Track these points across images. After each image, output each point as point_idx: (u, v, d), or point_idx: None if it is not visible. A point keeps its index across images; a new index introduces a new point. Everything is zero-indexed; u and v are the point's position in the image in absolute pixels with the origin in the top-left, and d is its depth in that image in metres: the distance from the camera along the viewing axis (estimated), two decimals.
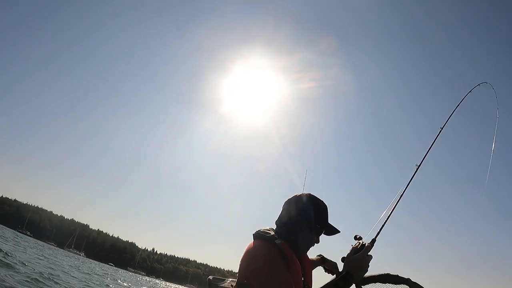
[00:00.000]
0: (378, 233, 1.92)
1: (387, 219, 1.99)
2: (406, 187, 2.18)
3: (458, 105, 3.06)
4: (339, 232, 1.92)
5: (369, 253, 1.75)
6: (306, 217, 1.85)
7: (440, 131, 2.63)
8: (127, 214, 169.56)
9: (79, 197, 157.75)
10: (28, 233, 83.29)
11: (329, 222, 1.92)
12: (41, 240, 75.37)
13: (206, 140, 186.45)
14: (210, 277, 1.96)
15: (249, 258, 1.73)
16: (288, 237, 1.80)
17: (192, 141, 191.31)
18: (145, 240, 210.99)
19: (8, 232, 49.65)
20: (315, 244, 1.90)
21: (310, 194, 1.94)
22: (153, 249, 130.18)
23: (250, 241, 1.83)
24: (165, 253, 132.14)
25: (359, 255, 1.72)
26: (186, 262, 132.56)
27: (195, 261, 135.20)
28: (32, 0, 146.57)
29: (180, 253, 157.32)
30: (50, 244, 77.22)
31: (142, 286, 31.04)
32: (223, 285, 2.05)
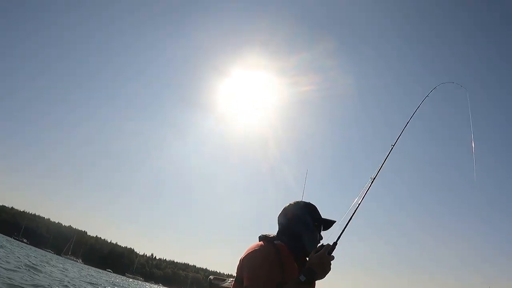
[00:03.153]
0: (339, 237, 1.97)
1: (346, 225, 2.06)
2: (364, 195, 2.26)
3: (418, 106, 3.30)
4: (335, 221, 2.09)
5: (331, 254, 1.81)
6: (303, 222, 2.04)
7: (392, 148, 2.72)
8: (126, 219, 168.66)
9: (77, 204, 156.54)
10: (25, 240, 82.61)
11: (322, 217, 2.10)
12: (38, 247, 74.61)
13: (204, 143, 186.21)
14: (211, 276, 2.03)
15: (246, 254, 1.92)
16: (292, 242, 1.98)
17: (190, 144, 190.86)
18: (144, 245, 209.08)
19: (3, 240, 48.99)
20: (320, 241, 2.05)
21: (296, 202, 2.16)
22: (152, 255, 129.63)
23: (250, 243, 2.01)
24: (164, 258, 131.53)
25: (319, 253, 1.79)
26: (185, 267, 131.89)
27: (194, 266, 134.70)
28: (21, 11, 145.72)
29: (179, 258, 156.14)
30: (47, 251, 76.53)
31: None
32: (223, 285, 2.20)
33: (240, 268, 1.90)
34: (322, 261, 1.75)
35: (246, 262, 1.87)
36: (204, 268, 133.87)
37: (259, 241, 1.99)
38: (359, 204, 2.19)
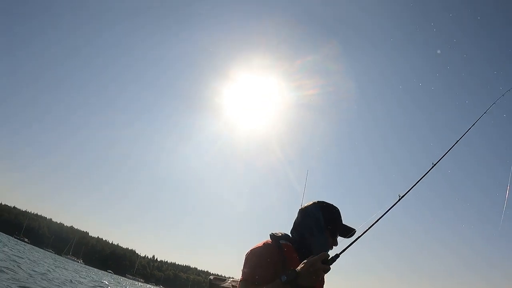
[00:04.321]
0: (344, 249, 1.84)
1: (357, 239, 1.90)
2: (383, 215, 2.02)
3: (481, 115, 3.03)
4: (355, 230, 1.96)
5: (328, 265, 1.63)
6: (314, 220, 1.97)
7: (432, 167, 2.46)
8: (128, 221, 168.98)
9: (79, 205, 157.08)
10: (26, 239, 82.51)
11: (343, 223, 2.01)
12: (39, 247, 74.40)
13: (206, 146, 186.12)
14: (211, 277, 1.98)
15: (249, 250, 1.89)
16: (300, 241, 1.94)
17: (192, 147, 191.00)
18: (146, 247, 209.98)
19: (4, 238, 48.68)
20: (334, 246, 1.97)
21: (318, 200, 2.09)
22: (154, 256, 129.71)
23: (251, 246, 1.94)
24: (165, 260, 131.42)
25: (313, 259, 1.62)
26: (187, 269, 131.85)
27: (195, 268, 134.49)
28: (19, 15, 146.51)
29: (180, 260, 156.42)
30: (48, 251, 76.33)
31: None
32: (224, 285, 2.14)
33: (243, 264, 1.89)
34: (312, 268, 1.59)
35: (245, 259, 1.86)
36: (205, 270, 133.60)
37: (270, 238, 1.94)
38: (377, 220, 1.96)
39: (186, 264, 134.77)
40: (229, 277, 2.25)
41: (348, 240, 1.92)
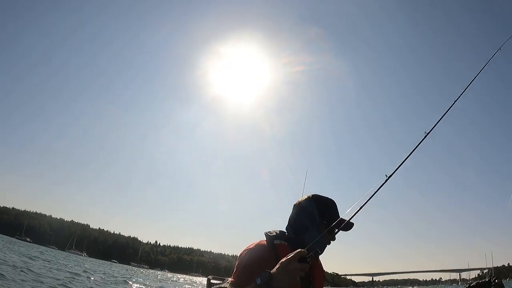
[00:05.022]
0: (323, 248, 1.78)
1: (337, 232, 1.80)
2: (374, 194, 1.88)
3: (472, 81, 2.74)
4: (353, 224, 1.81)
5: (307, 264, 1.48)
6: (308, 215, 1.87)
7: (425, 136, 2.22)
8: (127, 209, 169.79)
9: (77, 198, 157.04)
10: (28, 239, 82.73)
11: (340, 217, 1.84)
12: (41, 245, 74.89)
13: (199, 127, 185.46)
14: (210, 276, 1.94)
15: (242, 251, 1.83)
16: (295, 238, 1.85)
17: (184, 129, 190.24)
18: (147, 233, 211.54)
19: (6, 240, 48.93)
20: (331, 241, 1.84)
21: (313, 194, 1.96)
22: (156, 242, 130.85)
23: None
24: (168, 245, 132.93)
25: (287, 258, 1.48)
26: (190, 251, 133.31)
27: (199, 250, 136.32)
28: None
29: (183, 243, 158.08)
30: (51, 247, 76.94)
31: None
32: (222, 285, 2.07)
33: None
34: (286, 267, 1.46)
35: (238, 259, 1.82)
36: (208, 251, 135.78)
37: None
38: (365, 203, 1.82)
39: (189, 246, 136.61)
40: (227, 279, 2.16)
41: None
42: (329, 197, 1.96)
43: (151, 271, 78.11)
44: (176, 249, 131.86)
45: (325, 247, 1.81)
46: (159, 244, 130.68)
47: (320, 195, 1.96)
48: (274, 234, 1.85)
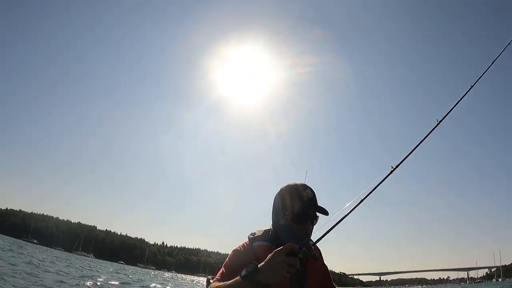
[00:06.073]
0: (319, 238, 1.69)
1: (335, 225, 1.74)
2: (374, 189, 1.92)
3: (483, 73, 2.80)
4: (313, 213, 1.77)
5: (296, 257, 1.44)
6: (274, 208, 1.86)
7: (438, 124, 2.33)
8: (134, 210, 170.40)
9: (84, 200, 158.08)
10: (35, 241, 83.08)
11: (302, 206, 1.76)
12: (48, 247, 75.08)
13: (205, 127, 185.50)
14: (209, 276, 1.99)
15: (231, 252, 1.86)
16: (277, 236, 1.81)
17: (191, 130, 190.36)
18: (154, 234, 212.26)
19: (11, 242, 48.67)
20: (309, 232, 1.75)
21: (287, 185, 1.89)
22: (163, 243, 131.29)
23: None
24: (175, 246, 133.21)
25: (275, 251, 1.45)
26: (197, 252, 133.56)
27: (206, 250, 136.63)
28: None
29: (190, 244, 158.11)
30: (58, 249, 77.06)
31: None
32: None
33: None
34: (272, 261, 1.42)
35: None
36: (215, 251, 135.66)
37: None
38: (369, 193, 1.87)
39: (196, 247, 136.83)
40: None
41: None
42: (297, 183, 1.85)
43: (159, 272, 77.63)
44: (183, 249, 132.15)
45: (308, 242, 1.54)
46: (166, 245, 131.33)
47: (289, 184, 1.86)
48: (258, 235, 1.84)
